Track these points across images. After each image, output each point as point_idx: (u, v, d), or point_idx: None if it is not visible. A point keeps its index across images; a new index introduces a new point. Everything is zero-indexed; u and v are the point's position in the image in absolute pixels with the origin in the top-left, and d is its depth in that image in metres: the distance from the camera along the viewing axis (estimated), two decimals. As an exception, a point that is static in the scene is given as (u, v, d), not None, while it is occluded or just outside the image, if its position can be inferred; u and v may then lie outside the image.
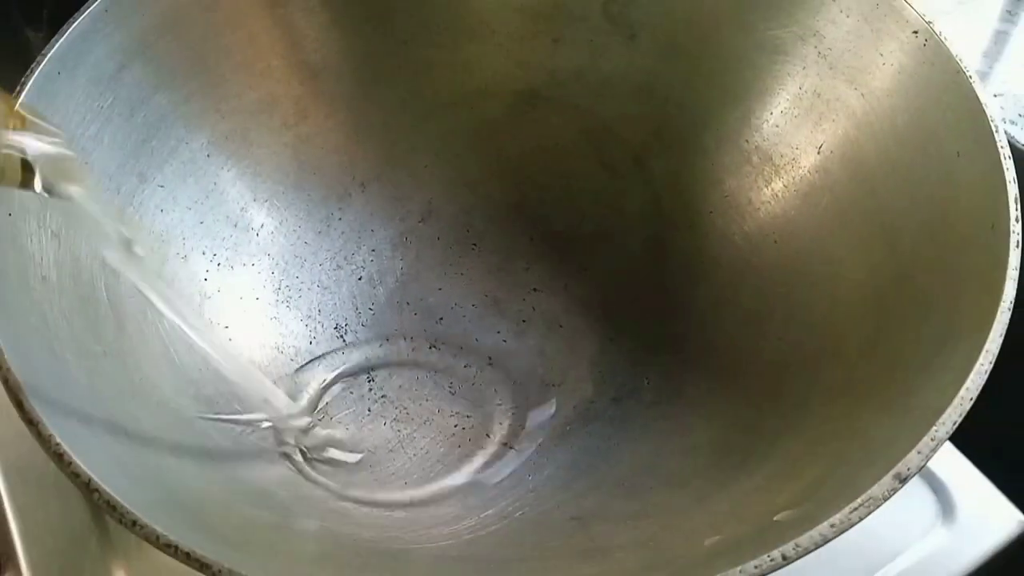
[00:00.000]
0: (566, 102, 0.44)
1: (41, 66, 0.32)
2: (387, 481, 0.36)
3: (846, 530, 0.22)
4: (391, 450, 0.38)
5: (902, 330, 0.30)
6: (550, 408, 0.40)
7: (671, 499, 0.32)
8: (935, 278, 0.30)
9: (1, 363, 0.25)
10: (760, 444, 0.32)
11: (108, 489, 0.23)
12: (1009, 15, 0.53)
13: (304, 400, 0.39)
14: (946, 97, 0.31)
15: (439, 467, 0.37)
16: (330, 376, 0.40)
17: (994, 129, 0.29)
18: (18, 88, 0.31)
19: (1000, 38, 0.52)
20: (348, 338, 0.42)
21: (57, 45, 0.33)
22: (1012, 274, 0.26)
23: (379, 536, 0.32)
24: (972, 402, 0.24)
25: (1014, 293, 0.26)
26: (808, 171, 0.38)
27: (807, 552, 0.22)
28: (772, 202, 0.39)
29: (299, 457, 0.36)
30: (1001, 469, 0.38)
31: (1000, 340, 0.25)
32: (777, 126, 0.39)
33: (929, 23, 0.33)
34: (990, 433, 0.36)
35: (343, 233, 0.44)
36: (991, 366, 0.25)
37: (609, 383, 0.40)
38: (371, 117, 0.44)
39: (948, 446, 0.39)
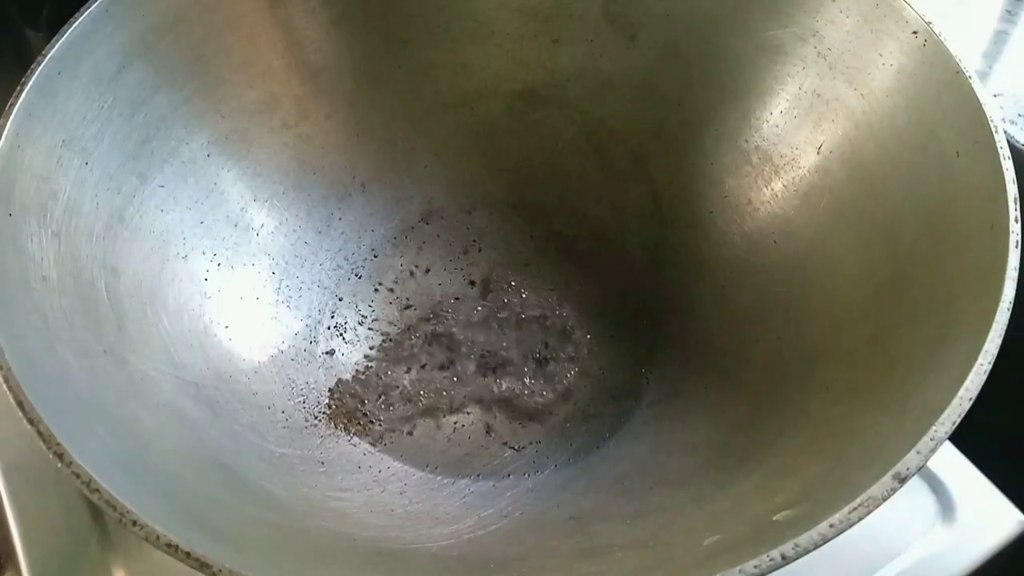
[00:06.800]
0: (566, 102, 0.44)
1: (42, 66, 0.32)
2: (387, 480, 0.36)
3: (845, 530, 0.22)
4: (391, 448, 0.38)
5: (901, 329, 0.30)
6: (549, 407, 0.40)
7: (670, 498, 0.32)
8: (934, 278, 0.30)
9: (1, 363, 0.25)
10: (759, 443, 0.32)
11: (108, 489, 0.23)
12: (1009, 15, 0.53)
13: (305, 400, 0.39)
14: (946, 97, 0.31)
15: (439, 466, 0.37)
16: (330, 376, 0.41)
17: (994, 129, 0.29)
18: (18, 88, 0.31)
19: (1000, 38, 0.52)
20: (348, 336, 0.42)
21: (58, 45, 0.33)
22: (1011, 274, 0.26)
23: (379, 536, 0.32)
24: (972, 401, 0.24)
25: (1013, 293, 0.26)
26: (808, 171, 0.38)
27: (806, 552, 0.22)
28: (772, 202, 0.39)
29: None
30: (1001, 469, 0.38)
31: (999, 340, 0.25)
32: (777, 126, 0.39)
33: (929, 23, 0.33)
34: (990, 432, 0.36)
35: (343, 233, 0.44)
36: (990, 366, 0.25)
37: (609, 382, 0.41)
38: (371, 117, 0.44)
39: (948, 445, 0.39)
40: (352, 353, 0.42)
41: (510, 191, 0.46)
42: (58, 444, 0.24)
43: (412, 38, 0.43)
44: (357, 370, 0.41)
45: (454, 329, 0.43)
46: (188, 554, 0.22)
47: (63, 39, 0.33)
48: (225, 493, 0.30)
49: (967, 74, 0.31)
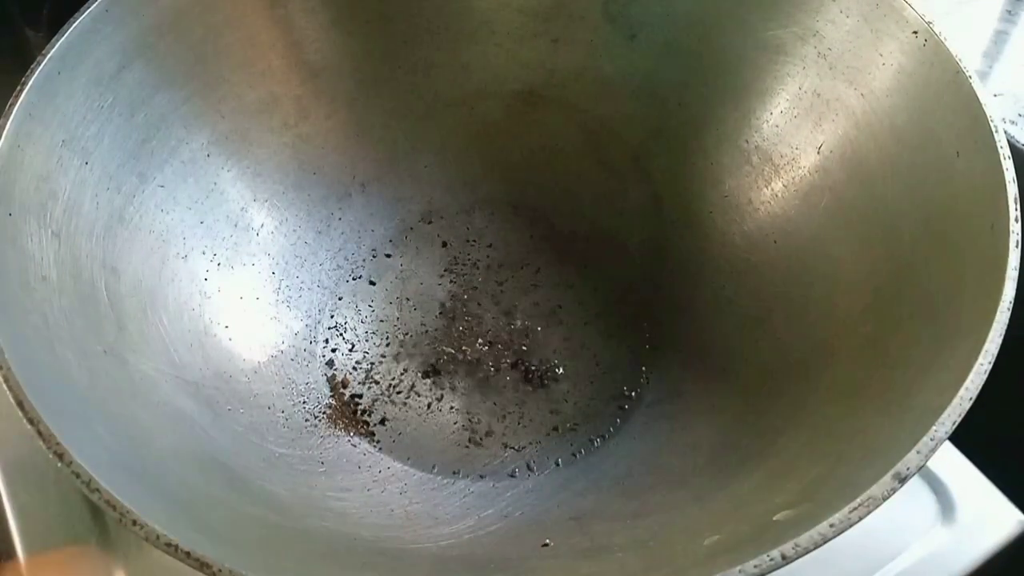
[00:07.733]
0: (566, 102, 0.44)
1: (42, 66, 0.32)
2: (387, 480, 0.36)
3: (845, 530, 0.22)
4: (391, 448, 0.38)
5: (901, 329, 0.30)
6: (549, 406, 0.40)
7: (670, 498, 0.32)
8: (934, 278, 0.30)
9: (1, 363, 0.25)
10: (759, 444, 0.32)
11: (108, 489, 0.23)
12: (1009, 15, 0.53)
13: (305, 400, 0.39)
14: (946, 97, 0.31)
15: (439, 466, 0.38)
16: (330, 375, 0.41)
17: (994, 129, 0.29)
18: (18, 88, 0.31)
19: (1000, 38, 0.52)
20: (348, 336, 0.42)
21: (58, 45, 0.33)
22: (1011, 274, 0.26)
23: (379, 536, 0.32)
24: (972, 402, 0.24)
25: (1013, 293, 0.26)
26: (808, 171, 0.38)
27: (806, 552, 0.22)
28: (772, 202, 0.39)
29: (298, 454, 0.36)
30: (1001, 469, 0.38)
31: (999, 340, 0.25)
32: (777, 126, 0.39)
33: (929, 23, 0.33)
34: (990, 432, 0.36)
35: (343, 233, 0.44)
36: (990, 366, 0.25)
37: (609, 382, 0.41)
38: (371, 117, 0.44)
39: (948, 446, 0.39)
40: (352, 353, 0.42)
41: (510, 191, 0.46)
42: (58, 444, 0.24)
43: (412, 38, 0.43)
44: (357, 370, 0.41)
45: (454, 327, 0.43)
46: (188, 554, 0.22)
47: (63, 39, 0.33)
48: (225, 493, 0.30)
49: (967, 74, 0.31)
